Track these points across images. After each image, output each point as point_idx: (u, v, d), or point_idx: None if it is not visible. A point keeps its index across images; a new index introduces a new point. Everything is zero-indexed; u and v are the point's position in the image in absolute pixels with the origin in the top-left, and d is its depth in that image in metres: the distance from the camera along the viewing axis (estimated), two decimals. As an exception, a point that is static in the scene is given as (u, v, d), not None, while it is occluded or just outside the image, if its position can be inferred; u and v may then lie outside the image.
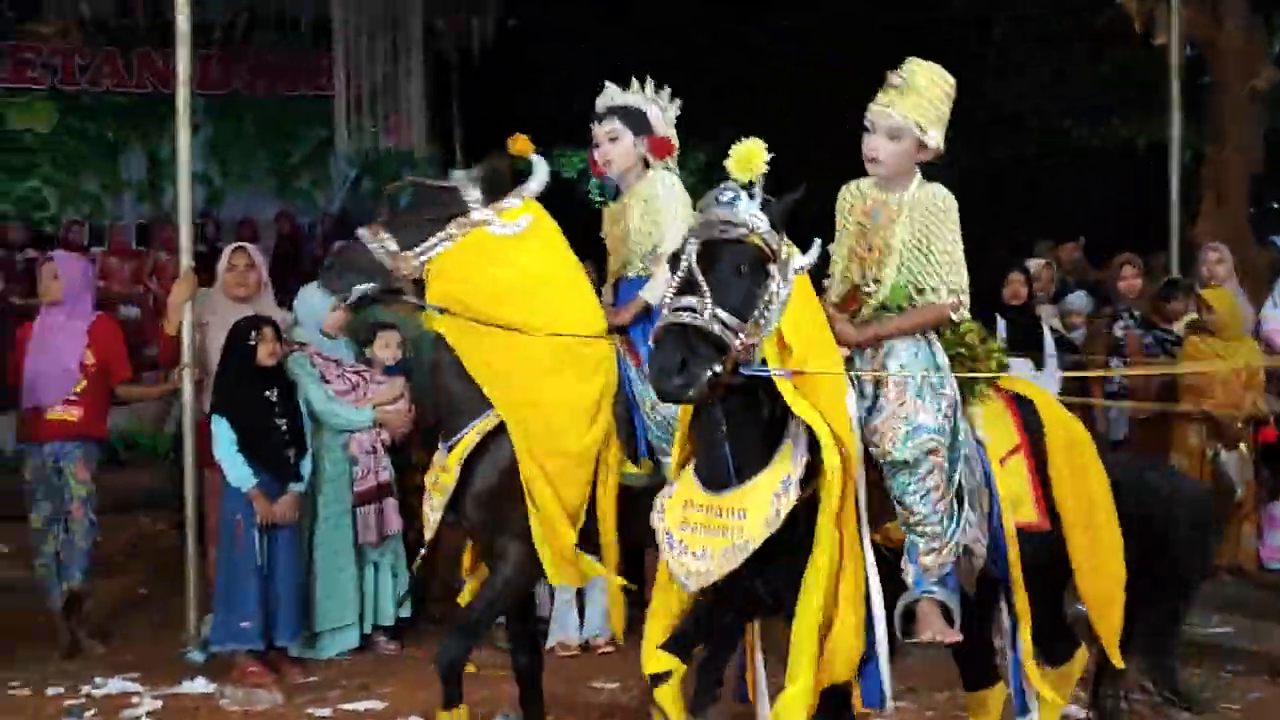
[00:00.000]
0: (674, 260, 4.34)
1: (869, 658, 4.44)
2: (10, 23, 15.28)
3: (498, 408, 5.28)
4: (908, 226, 4.64)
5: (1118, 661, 5.06)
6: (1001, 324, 8.50)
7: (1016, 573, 4.72)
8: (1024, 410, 4.90)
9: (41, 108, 15.67)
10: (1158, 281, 9.53)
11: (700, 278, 4.17)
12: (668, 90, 5.81)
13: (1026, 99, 15.76)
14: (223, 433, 7.06)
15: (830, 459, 4.27)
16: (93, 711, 6.61)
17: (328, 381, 7.43)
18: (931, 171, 4.78)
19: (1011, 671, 4.94)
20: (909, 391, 4.54)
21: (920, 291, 4.65)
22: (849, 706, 4.55)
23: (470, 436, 5.30)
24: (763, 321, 4.27)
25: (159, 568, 9.26)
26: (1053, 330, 9.02)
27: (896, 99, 4.60)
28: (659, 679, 4.55)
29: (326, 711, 6.56)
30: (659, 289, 5.18)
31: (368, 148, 15.32)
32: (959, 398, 4.69)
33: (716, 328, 4.13)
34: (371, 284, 5.33)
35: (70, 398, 7.41)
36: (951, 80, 4.66)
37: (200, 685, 6.94)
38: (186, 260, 7.60)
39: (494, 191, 5.37)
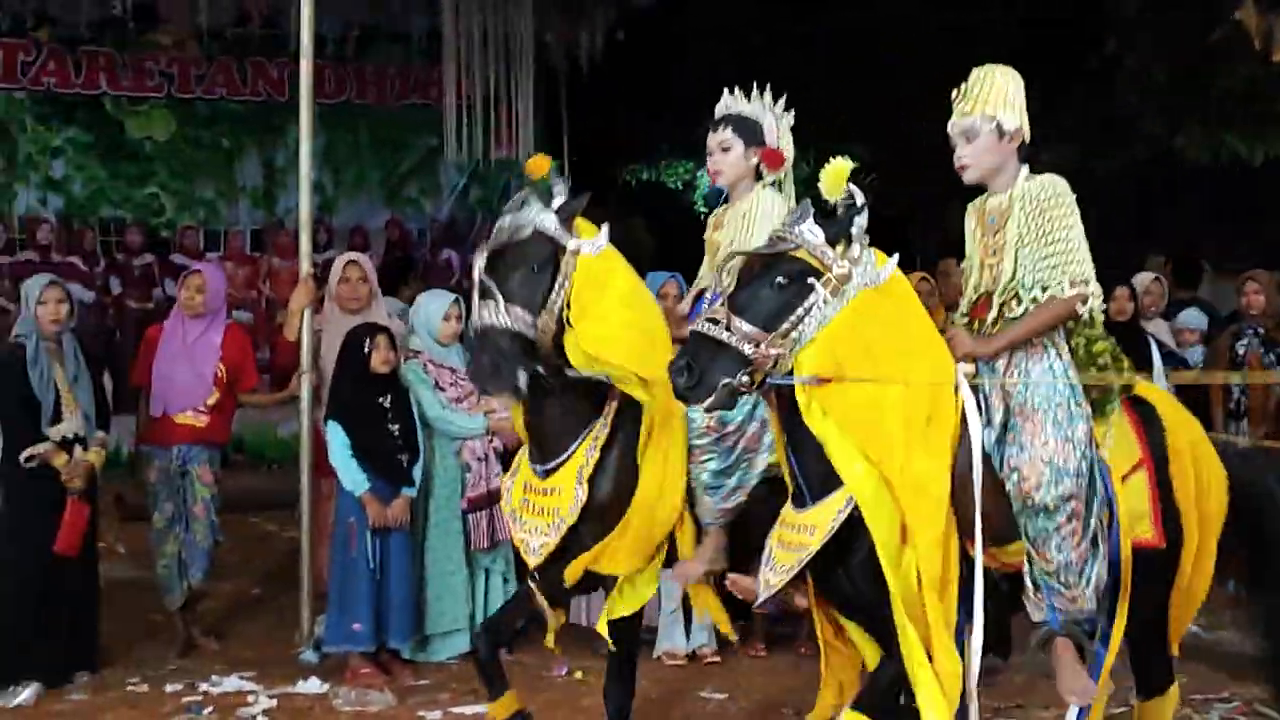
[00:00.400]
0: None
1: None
2: (131, 33, 15.56)
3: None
4: (1019, 219, 4.63)
5: (1175, 649, 5.03)
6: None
7: (1125, 593, 4.66)
8: (1145, 418, 4.83)
9: (159, 116, 15.99)
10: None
11: (732, 290, 4.42)
12: (783, 100, 5.75)
13: (1137, 109, 15.62)
14: (337, 438, 7.19)
15: (856, 484, 4.31)
16: (210, 709, 6.73)
17: (441, 389, 7.52)
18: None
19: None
20: (1047, 424, 4.48)
21: (1043, 289, 4.59)
22: None
23: (584, 451, 5.17)
24: (795, 333, 4.36)
25: (270, 569, 9.44)
26: (1161, 346, 8.95)
27: (960, 105, 4.70)
28: None
29: (437, 714, 6.63)
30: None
31: (476, 157, 15.43)
32: (1092, 422, 4.62)
33: (733, 340, 4.29)
34: (529, 366, 5.01)
35: (201, 406, 7.59)
36: (1011, 70, 4.71)
37: (314, 685, 7.05)
38: (306, 266, 7.77)
39: (561, 219, 5.11)
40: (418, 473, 7.30)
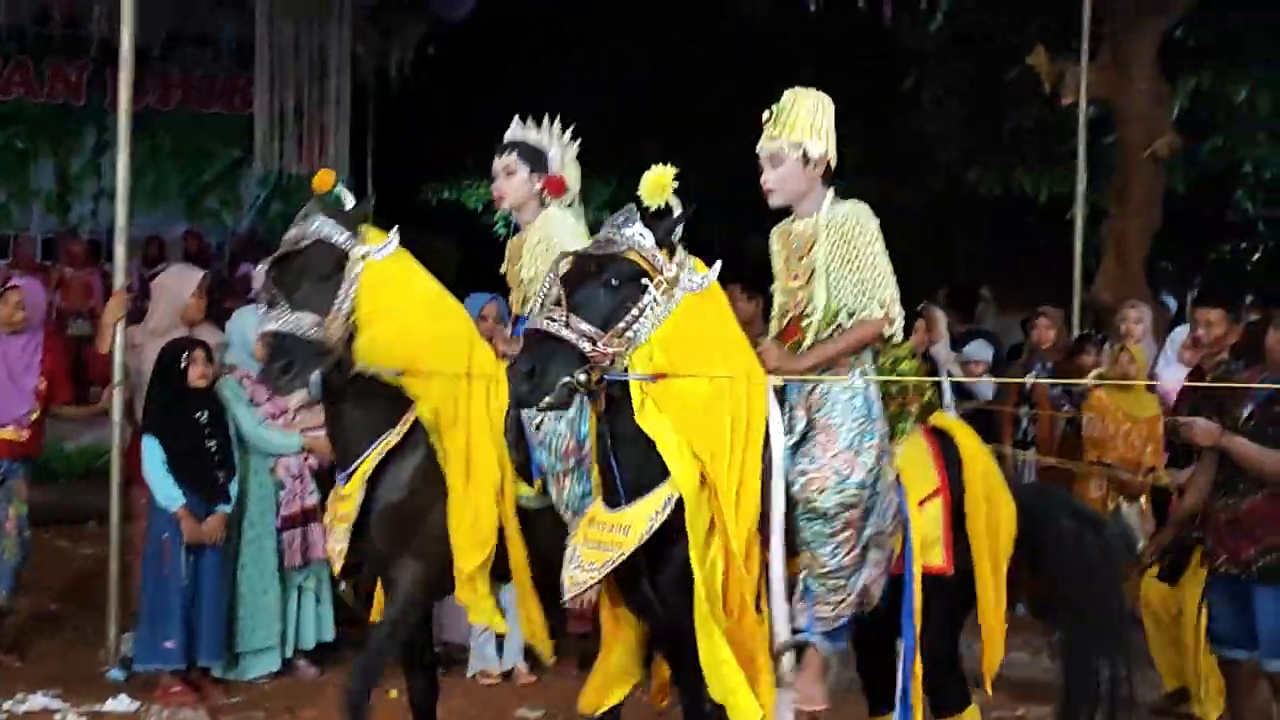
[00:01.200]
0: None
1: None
2: (-80, 30, 15.11)
3: None
4: (825, 246, 4.74)
5: (988, 689, 5.15)
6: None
7: (917, 618, 4.82)
8: (944, 447, 5.02)
9: (-52, 116, 15.54)
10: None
11: (559, 289, 4.44)
12: (569, 131, 5.86)
13: (934, 143, 16.15)
14: (153, 452, 7.10)
15: (685, 480, 4.40)
16: (17, 727, 6.62)
17: (257, 405, 7.48)
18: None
19: (899, 713, 4.95)
20: (839, 436, 4.62)
21: (850, 313, 4.72)
22: None
23: (371, 459, 5.33)
24: (631, 333, 4.44)
25: (66, 586, 9.23)
26: (950, 376, 9.27)
27: (769, 129, 4.78)
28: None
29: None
30: None
31: (278, 170, 15.25)
32: (887, 441, 4.78)
33: (572, 336, 4.36)
34: (320, 366, 5.19)
35: (24, 421, 7.49)
36: (822, 96, 4.81)
37: (124, 704, 6.95)
38: (120, 279, 7.71)
39: (348, 226, 5.25)
40: (234, 489, 7.25)
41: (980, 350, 9.93)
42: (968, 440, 5.12)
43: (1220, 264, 17.06)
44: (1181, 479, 6.73)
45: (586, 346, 4.38)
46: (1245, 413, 5.78)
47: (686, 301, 4.54)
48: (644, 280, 4.48)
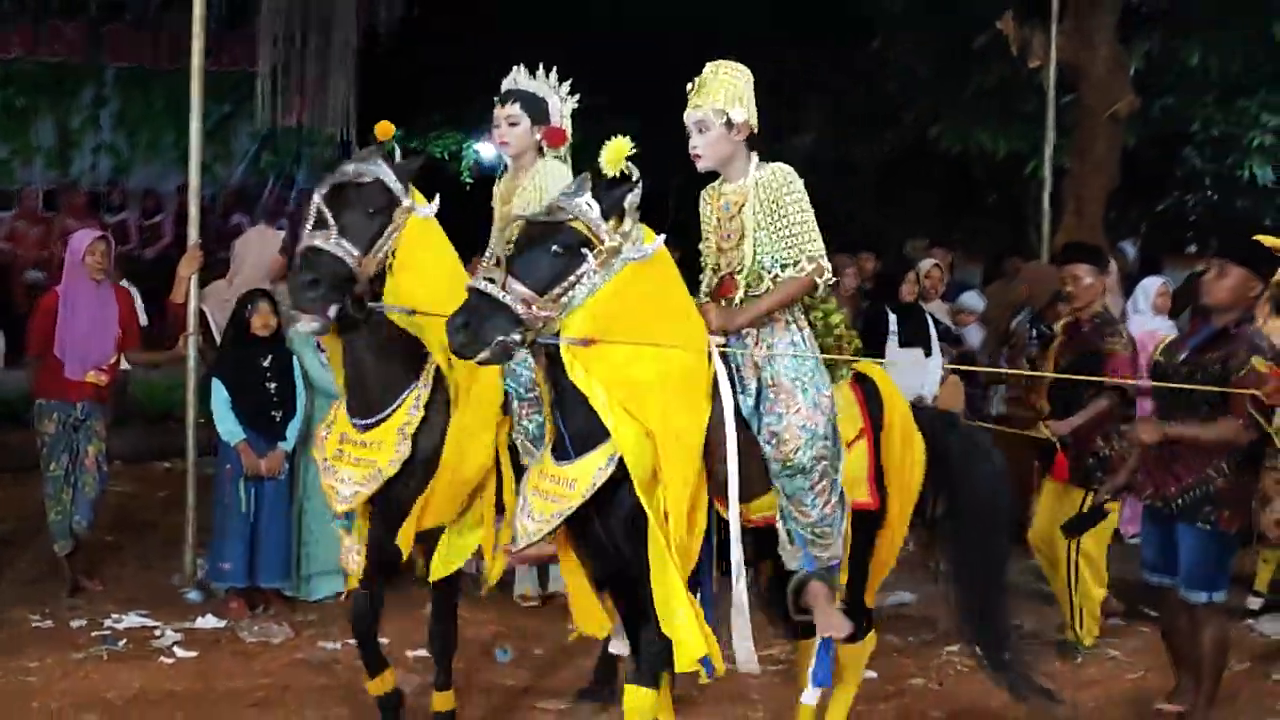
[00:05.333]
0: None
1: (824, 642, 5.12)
2: (-75, -10, 15.57)
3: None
4: (753, 206, 4.97)
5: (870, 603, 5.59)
6: (893, 318, 9.56)
7: (847, 550, 5.15)
8: (867, 393, 5.33)
9: (-47, 74, 15.99)
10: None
11: (503, 253, 4.68)
12: (569, 83, 6.06)
13: (898, 101, 16.86)
14: (218, 393, 7.88)
15: (621, 435, 4.60)
16: (124, 641, 7.36)
17: (323, 350, 8.18)
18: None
19: (819, 649, 5.26)
20: (798, 393, 4.91)
21: (783, 267, 4.96)
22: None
23: (404, 410, 5.49)
24: (565, 298, 4.63)
25: (117, 520, 9.90)
26: (938, 324, 10.08)
27: (693, 99, 5.01)
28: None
29: (336, 645, 7.35)
30: None
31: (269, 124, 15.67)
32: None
33: (505, 297, 4.54)
34: (342, 300, 5.26)
35: (104, 365, 8.15)
36: (739, 66, 5.05)
37: (211, 621, 7.73)
38: (194, 234, 8.38)
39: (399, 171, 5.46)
40: (293, 429, 7.96)
41: (972, 301, 10.77)
42: (887, 386, 5.46)
43: (1165, 216, 17.88)
44: (1064, 429, 7.32)
45: (520, 309, 4.55)
46: (1180, 358, 6.19)
47: (628, 270, 4.71)
48: (584, 250, 4.66)
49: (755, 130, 5.07)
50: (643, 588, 4.73)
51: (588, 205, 4.69)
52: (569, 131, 6.12)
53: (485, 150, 20.96)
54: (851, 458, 5.16)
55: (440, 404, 5.55)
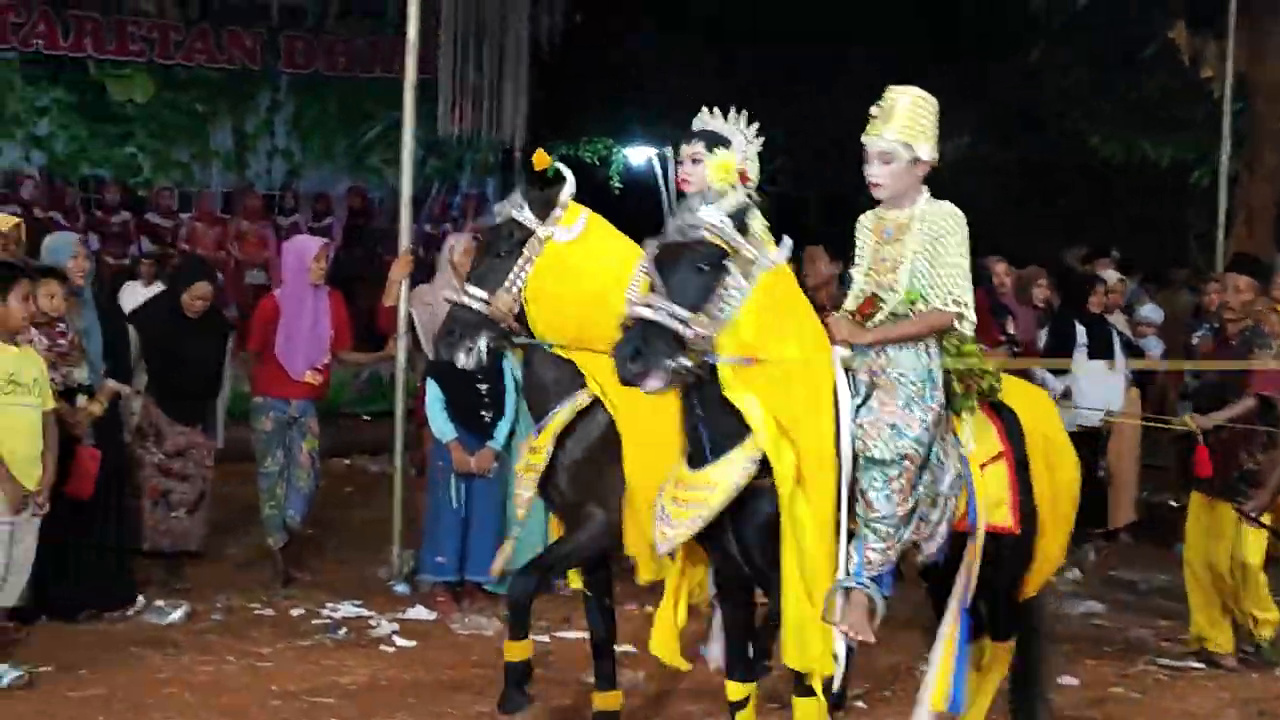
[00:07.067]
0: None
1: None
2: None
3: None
4: (917, 238, 4.96)
5: None
6: (1081, 330, 9.67)
7: (975, 569, 5.16)
8: (1006, 420, 5.30)
9: (140, 80, 16.52)
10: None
11: (656, 277, 4.67)
12: (756, 125, 6.02)
13: (1058, 108, 16.91)
14: (432, 393, 8.19)
15: (771, 446, 4.67)
16: (344, 630, 7.70)
17: (513, 358, 8.48)
18: (952, 168, 5.36)
19: (956, 671, 5.22)
20: (899, 400, 4.90)
21: (926, 301, 4.96)
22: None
23: (562, 416, 5.71)
24: (718, 313, 4.65)
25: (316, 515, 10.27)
26: (1121, 335, 10.17)
27: (880, 126, 4.96)
28: (737, 706, 5.21)
29: (545, 638, 7.57)
30: None
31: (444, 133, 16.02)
32: (946, 414, 5.06)
33: (666, 320, 4.55)
34: (487, 337, 5.61)
35: (319, 365, 8.51)
36: (930, 97, 5.02)
37: (422, 612, 8.06)
38: (406, 241, 8.71)
39: (542, 206, 5.70)
40: (503, 429, 8.22)
41: (1153, 313, 10.86)
42: (1029, 413, 5.43)
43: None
44: (1206, 423, 7.28)
45: (681, 329, 4.57)
46: None
47: (763, 280, 4.77)
48: (726, 262, 4.70)
49: (939, 167, 5.07)
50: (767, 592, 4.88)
51: (717, 217, 4.73)
52: (752, 173, 6.05)
53: (635, 156, 21.31)
54: (989, 479, 5.17)
55: (600, 412, 5.71)
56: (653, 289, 4.69)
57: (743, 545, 4.91)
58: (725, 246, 4.70)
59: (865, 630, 4.80)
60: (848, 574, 4.83)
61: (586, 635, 6.29)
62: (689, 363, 4.60)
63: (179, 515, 8.30)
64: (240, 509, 9.64)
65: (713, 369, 4.71)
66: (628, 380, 4.62)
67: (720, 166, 4.93)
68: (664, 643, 5.31)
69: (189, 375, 8.31)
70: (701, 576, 5.45)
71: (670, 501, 4.92)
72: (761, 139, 6.09)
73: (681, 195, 5.82)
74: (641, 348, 4.55)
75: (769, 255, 4.82)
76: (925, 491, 4.95)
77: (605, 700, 6.18)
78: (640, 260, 5.42)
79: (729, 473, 4.77)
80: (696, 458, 4.86)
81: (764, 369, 4.73)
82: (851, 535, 4.86)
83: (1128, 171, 17.03)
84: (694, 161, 5.96)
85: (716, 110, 6.04)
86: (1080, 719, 6.72)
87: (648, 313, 4.59)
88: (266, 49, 16.88)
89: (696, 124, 6.07)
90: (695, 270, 4.66)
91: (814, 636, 4.80)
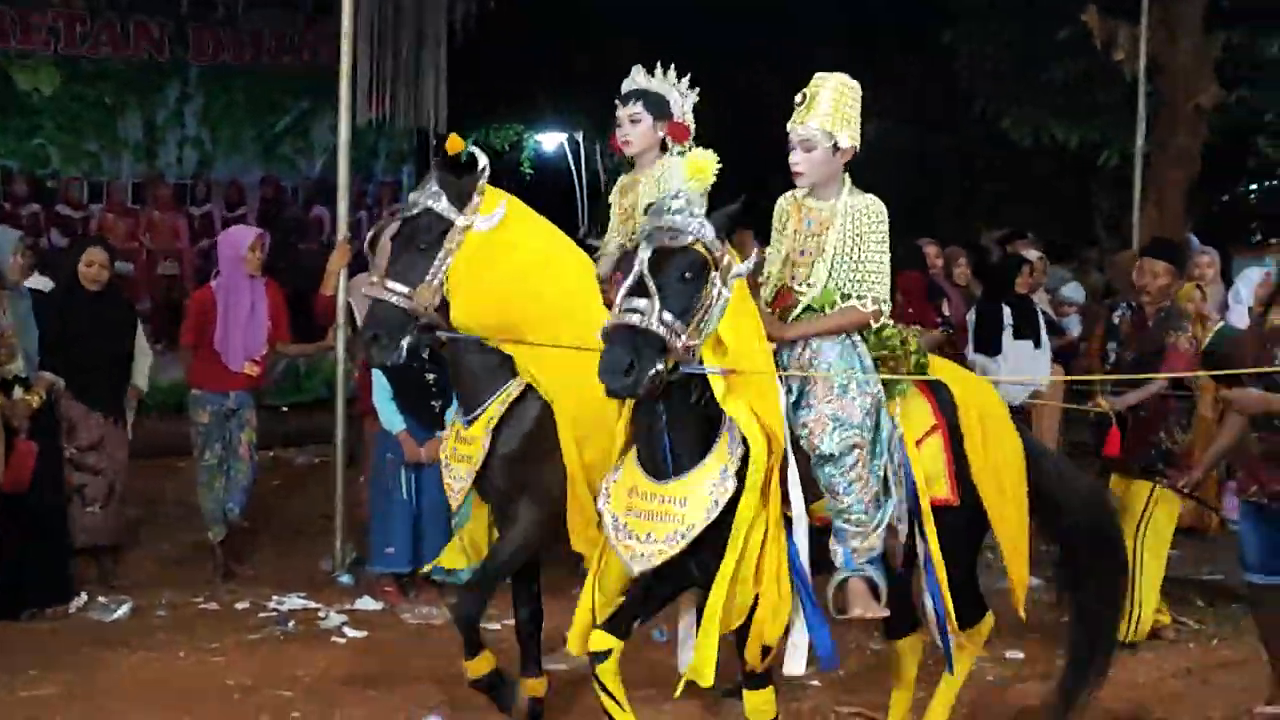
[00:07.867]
0: (627, 262, 4.83)
1: (816, 624, 4.90)
2: (20, -11, 15.81)
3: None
4: (839, 233, 5.00)
5: (1021, 611, 5.56)
6: (1007, 311, 9.77)
7: (934, 544, 5.14)
8: (939, 395, 5.29)
9: (46, 71, 16.19)
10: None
11: (650, 282, 4.55)
12: (688, 78, 6.18)
13: (970, 93, 17.06)
14: (379, 384, 8.12)
15: (757, 451, 4.68)
16: (293, 622, 7.64)
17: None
18: (870, 151, 5.20)
19: (939, 633, 5.33)
20: (835, 390, 4.94)
21: (845, 296, 5.01)
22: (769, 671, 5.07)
23: (494, 407, 5.70)
24: (703, 325, 4.65)
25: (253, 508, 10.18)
26: (1044, 315, 10.29)
27: (804, 114, 4.99)
28: (599, 657, 5.04)
29: (496, 626, 7.54)
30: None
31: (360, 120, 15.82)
32: (883, 396, 5.09)
33: (661, 330, 4.52)
34: (409, 334, 5.55)
35: (257, 357, 8.44)
36: (854, 84, 5.06)
37: (370, 603, 8.01)
38: (343, 230, 8.64)
39: (458, 193, 5.58)
40: (450, 417, 8.20)
41: (1074, 293, 11.01)
42: (962, 387, 5.44)
43: (1231, 205, 18.10)
44: (1119, 404, 7.45)
45: (671, 339, 4.55)
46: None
47: (736, 288, 4.76)
48: (709, 271, 4.67)
49: (858, 152, 5.08)
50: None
51: (703, 226, 4.69)
52: (692, 126, 6.24)
53: (546, 142, 21.25)
54: (925, 454, 5.18)
55: (533, 402, 5.71)
56: (634, 293, 4.60)
57: (701, 551, 4.82)
58: (708, 256, 4.67)
59: (874, 608, 4.93)
60: (840, 567, 4.93)
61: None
62: (663, 368, 4.56)
63: (93, 510, 8.20)
64: (170, 503, 9.53)
65: (688, 378, 4.69)
66: (616, 393, 4.56)
67: (697, 166, 4.84)
68: (579, 636, 5.19)
69: (91, 352, 8.07)
70: (619, 569, 5.27)
71: (626, 512, 4.84)
72: (696, 89, 6.17)
73: (614, 158, 5.79)
74: (636, 360, 4.50)
75: (739, 265, 4.80)
76: (883, 472, 5.00)
77: (533, 688, 6.16)
78: (614, 228, 5.68)
79: (701, 490, 4.73)
80: (657, 469, 4.82)
81: (746, 380, 4.72)
82: (828, 531, 4.94)
83: (1040, 153, 17.22)
84: (633, 122, 6.08)
85: (642, 69, 6.11)
86: (1029, 692, 6.81)
87: (642, 321, 4.54)
88: (173, 40, 16.62)
89: (628, 85, 6.13)
90: (682, 279, 4.63)
91: (709, 645, 4.79)
